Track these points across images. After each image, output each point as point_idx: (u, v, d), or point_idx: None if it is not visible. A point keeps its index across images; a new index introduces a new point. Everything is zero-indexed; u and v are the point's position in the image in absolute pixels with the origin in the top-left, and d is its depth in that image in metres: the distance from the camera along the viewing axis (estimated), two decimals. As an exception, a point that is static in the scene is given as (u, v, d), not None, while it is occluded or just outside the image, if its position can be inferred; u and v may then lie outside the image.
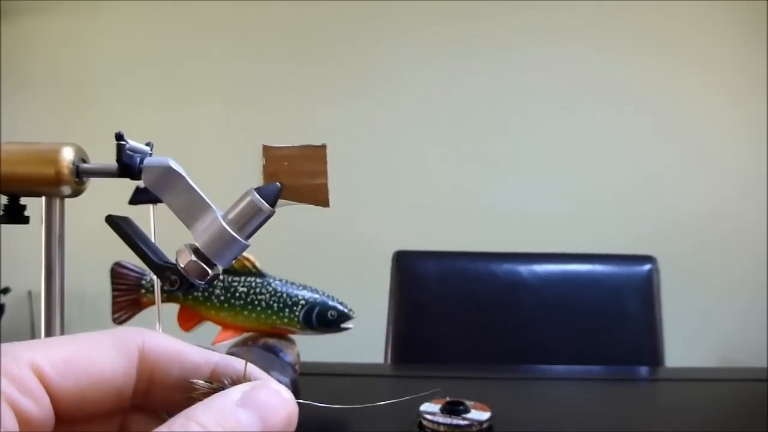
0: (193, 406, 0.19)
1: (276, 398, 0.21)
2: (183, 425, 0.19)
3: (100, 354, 0.21)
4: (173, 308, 0.76)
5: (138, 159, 0.45)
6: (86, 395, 0.20)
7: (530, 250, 1.29)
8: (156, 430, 0.18)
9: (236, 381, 0.22)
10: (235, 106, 2.21)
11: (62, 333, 0.49)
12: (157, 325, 0.54)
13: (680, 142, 2.08)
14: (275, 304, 0.75)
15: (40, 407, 0.19)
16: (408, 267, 1.23)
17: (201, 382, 0.22)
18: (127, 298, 0.75)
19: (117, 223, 0.44)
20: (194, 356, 0.23)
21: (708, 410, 0.80)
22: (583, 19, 2.09)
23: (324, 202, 0.39)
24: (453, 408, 0.66)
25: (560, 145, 2.11)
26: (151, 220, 0.50)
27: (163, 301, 0.56)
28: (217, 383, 0.22)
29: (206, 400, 0.20)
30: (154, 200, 0.43)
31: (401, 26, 2.15)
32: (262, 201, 0.38)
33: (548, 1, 2.08)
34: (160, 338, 0.23)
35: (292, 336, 0.79)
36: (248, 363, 0.22)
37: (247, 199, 0.38)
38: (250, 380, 0.22)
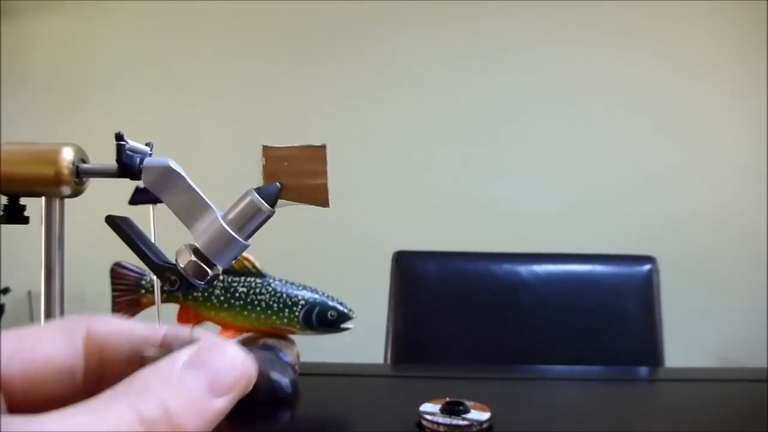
0: (139, 370, 0.19)
1: (225, 355, 0.20)
2: (127, 385, 0.18)
3: (45, 339, 0.21)
4: (173, 308, 0.76)
5: (138, 159, 0.45)
6: (34, 379, 0.20)
7: (530, 250, 1.29)
8: (101, 393, 0.18)
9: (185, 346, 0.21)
10: (235, 106, 2.21)
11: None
12: (157, 325, 0.53)
13: (680, 142, 2.08)
14: (275, 305, 0.75)
15: None
16: (408, 267, 1.23)
17: (150, 349, 0.21)
18: (127, 298, 0.75)
19: (117, 224, 0.44)
20: (141, 330, 0.22)
21: (708, 410, 0.80)
22: (583, 19, 2.09)
23: (324, 202, 0.39)
24: (453, 408, 0.66)
25: (560, 146, 2.11)
26: (151, 220, 0.50)
27: (163, 302, 0.56)
28: (166, 350, 0.21)
29: (152, 364, 0.20)
30: (154, 200, 0.43)
31: (401, 26, 2.15)
32: (262, 201, 0.38)
33: (548, 1, 2.08)
34: (105, 318, 0.23)
35: (292, 336, 0.79)
36: (195, 328, 0.22)
37: (247, 199, 0.39)
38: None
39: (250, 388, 0.21)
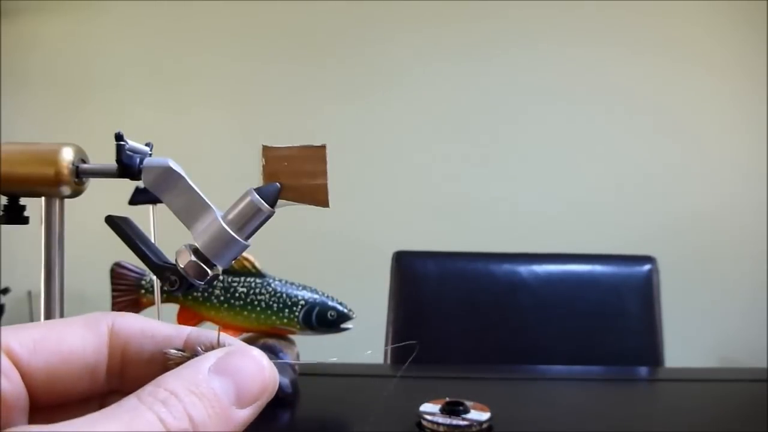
0: (164, 374, 0.19)
1: (251, 363, 0.20)
2: (152, 393, 0.18)
3: (70, 333, 0.21)
4: (173, 308, 0.76)
5: (138, 159, 0.45)
6: (58, 372, 0.20)
7: (530, 250, 1.29)
8: (125, 398, 0.18)
9: (210, 349, 0.21)
10: (235, 106, 2.21)
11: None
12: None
13: (680, 142, 2.08)
14: (275, 305, 0.75)
15: (11, 382, 0.19)
16: (408, 267, 1.23)
17: (174, 351, 0.21)
18: (127, 298, 0.75)
19: (117, 224, 0.44)
20: (166, 329, 0.22)
21: (708, 410, 0.80)
22: (582, 19, 2.09)
23: (324, 203, 0.39)
24: (453, 408, 0.66)
25: (560, 146, 2.11)
26: (150, 220, 0.50)
27: (162, 302, 0.56)
28: (190, 352, 0.21)
29: (177, 368, 0.19)
30: (154, 200, 0.43)
31: (401, 26, 2.15)
32: (262, 201, 0.38)
33: (548, 1, 2.08)
34: (130, 316, 0.22)
35: (292, 336, 0.79)
36: (222, 332, 0.22)
37: (247, 200, 0.38)
38: (224, 347, 0.21)
39: (273, 395, 0.20)
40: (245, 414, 0.19)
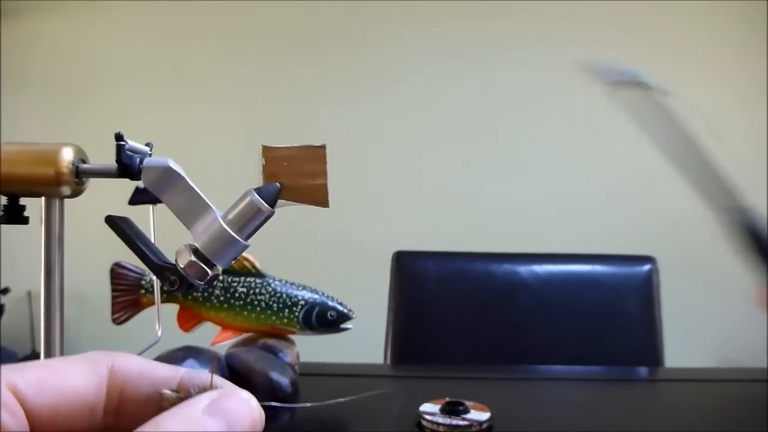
0: (160, 414, 0.20)
1: (242, 405, 0.21)
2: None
3: (72, 372, 0.22)
4: (173, 308, 0.76)
5: (137, 159, 0.45)
6: (60, 411, 0.21)
7: (530, 250, 1.29)
8: None
9: (203, 390, 0.22)
10: (235, 106, 2.21)
11: (62, 333, 0.49)
12: (157, 325, 0.53)
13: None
14: (275, 305, 0.75)
15: (17, 421, 0.20)
16: (408, 267, 1.23)
17: (169, 392, 0.22)
18: (127, 299, 0.75)
19: (117, 224, 0.44)
20: (162, 371, 0.23)
21: (708, 410, 0.80)
22: (582, 18, 2.09)
23: (324, 203, 0.39)
24: (453, 408, 0.66)
25: (560, 145, 2.11)
26: (150, 220, 0.50)
27: (162, 302, 0.56)
28: (184, 393, 0.22)
29: (173, 408, 0.20)
30: (154, 200, 0.43)
31: (401, 26, 2.15)
32: (262, 201, 0.38)
33: (549, 1, 2.08)
34: (129, 357, 0.23)
35: (292, 336, 0.79)
36: (214, 374, 0.23)
37: (247, 200, 0.38)
38: (216, 389, 0.23)
39: None
40: None
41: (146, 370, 0.23)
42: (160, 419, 0.20)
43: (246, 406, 0.21)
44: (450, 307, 1.22)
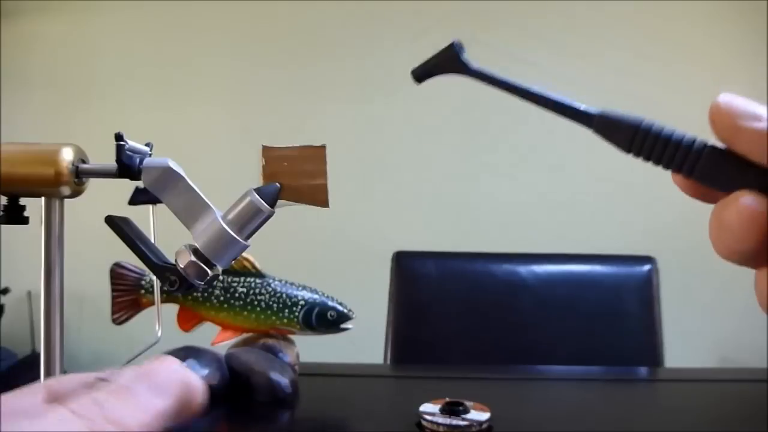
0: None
1: (163, 365, 0.21)
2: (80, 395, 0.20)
3: None
4: (173, 309, 0.76)
5: (137, 159, 0.45)
6: None
7: (530, 250, 1.29)
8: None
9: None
10: (236, 106, 2.21)
11: (61, 333, 0.49)
12: (157, 325, 0.54)
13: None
14: (275, 305, 0.75)
15: None
16: (408, 267, 1.23)
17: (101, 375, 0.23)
18: (127, 299, 0.75)
19: (116, 224, 0.44)
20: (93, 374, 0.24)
21: (708, 410, 0.80)
22: (582, 18, 2.09)
23: (323, 203, 0.39)
24: (452, 408, 0.66)
25: (560, 145, 2.11)
26: (150, 220, 0.50)
27: (162, 302, 0.56)
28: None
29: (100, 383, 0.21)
30: (154, 201, 0.43)
31: (401, 27, 2.15)
32: (262, 201, 0.38)
33: (548, 1, 2.08)
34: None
35: (292, 336, 0.79)
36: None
37: (247, 200, 0.39)
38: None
39: (193, 397, 0.22)
40: (161, 402, 0.21)
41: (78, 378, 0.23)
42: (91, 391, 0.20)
43: (167, 365, 0.21)
44: (450, 307, 1.22)
